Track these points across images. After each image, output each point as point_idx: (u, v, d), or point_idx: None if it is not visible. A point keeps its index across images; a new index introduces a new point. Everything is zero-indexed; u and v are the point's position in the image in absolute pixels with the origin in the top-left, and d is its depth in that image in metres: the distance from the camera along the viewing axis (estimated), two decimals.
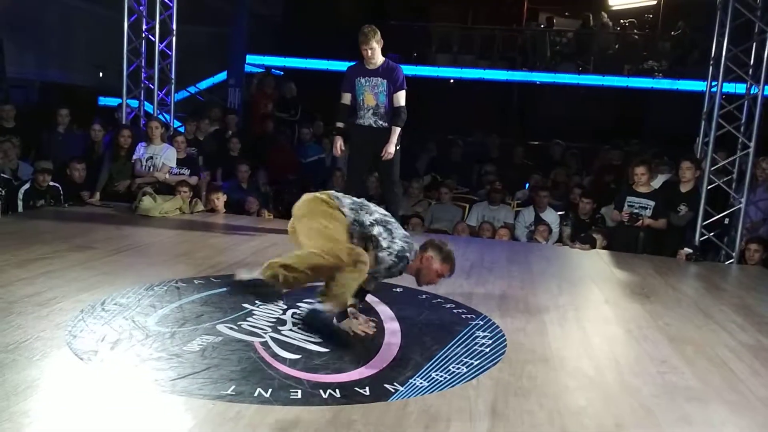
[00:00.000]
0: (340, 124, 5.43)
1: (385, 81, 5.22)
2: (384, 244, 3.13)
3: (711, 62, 6.30)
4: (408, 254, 3.17)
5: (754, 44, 6.02)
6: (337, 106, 5.44)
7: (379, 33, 5.22)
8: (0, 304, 3.18)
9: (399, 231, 3.26)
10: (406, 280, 4.12)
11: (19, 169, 6.60)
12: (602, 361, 3.05)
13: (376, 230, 3.17)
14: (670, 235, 5.93)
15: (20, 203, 5.99)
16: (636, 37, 13.34)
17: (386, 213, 3.39)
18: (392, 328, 3.28)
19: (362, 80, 5.27)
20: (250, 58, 12.12)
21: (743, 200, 5.93)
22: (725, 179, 6.12)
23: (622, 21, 13.59)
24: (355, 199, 3.39)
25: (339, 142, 5.44)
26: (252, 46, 11.87)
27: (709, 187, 5.98)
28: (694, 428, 2.43)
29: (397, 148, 5.27)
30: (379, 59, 5.26)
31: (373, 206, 3.37)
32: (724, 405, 2.64)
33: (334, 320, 3.08)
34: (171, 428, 2.18)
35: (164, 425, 2.20)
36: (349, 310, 3.14)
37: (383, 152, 5.20)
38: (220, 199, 6.42)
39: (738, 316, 3.97)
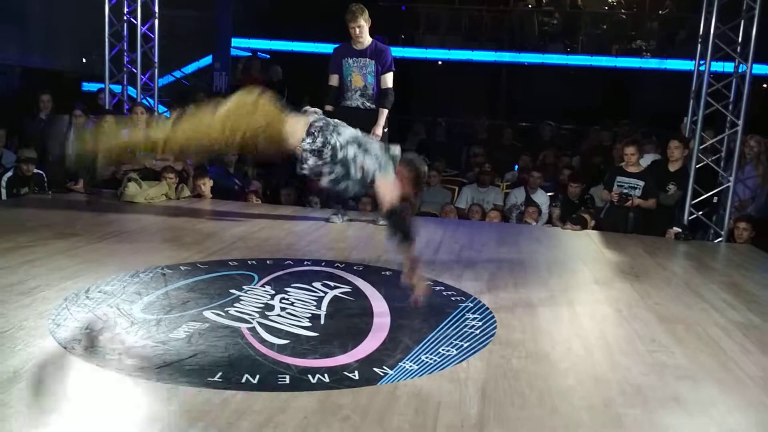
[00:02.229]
0: (329, 107, 5.35)
1: (373, 62, 5.16)
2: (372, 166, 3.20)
3: (699, 40, 6.26)
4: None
5: (743, 21, 5.98)
6: (325, 89, 5.36)
7: (367, 12, 5.15)
8: None
9: (375, 148, 3.30)
10: (396, 263, 4.13)
11: (3, 156, 6.50)
12: (592, 341, 3.04)
13: (351, 152, 3.21)
14: (659, 215, 5.93)
15: (3, 191, 5.90)
16: (624, 16, 13.28)
17: (356, 133, 3.39)
18: (381, 311, 3.26)
19: (350, 61, 5.20)
20: (237, 42, 11.98)
21: (732, 179, 5.93)
22: (713, 158, 6.11)
23: (610, 0, 13.52)
24: (326, 121, 3.36)
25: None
26: (238, 29, 11.73)
27: (697, 166, 5.97)
28: (684, 406, 2.42)
29: (385, 130, 5.22)
30: (367, 39, 5.20)
31: (341, 127, 3.36)
32: (714, 383, 2.64)
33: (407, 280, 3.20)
34: (157, 416, 2.14)
35: (150, 413, 2.16)
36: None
37: (371, 134, 5.14)
38: (206, 185, 6.35)
39: (727, 294, 3.97)
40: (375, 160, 3.23)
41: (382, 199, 3.14)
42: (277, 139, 3.23)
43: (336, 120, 3.44)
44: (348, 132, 3.34)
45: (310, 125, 3.27)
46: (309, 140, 3.24)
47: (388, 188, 3.13)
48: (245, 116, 3.15)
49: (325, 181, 3.31)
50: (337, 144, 3.23)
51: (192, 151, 3.28)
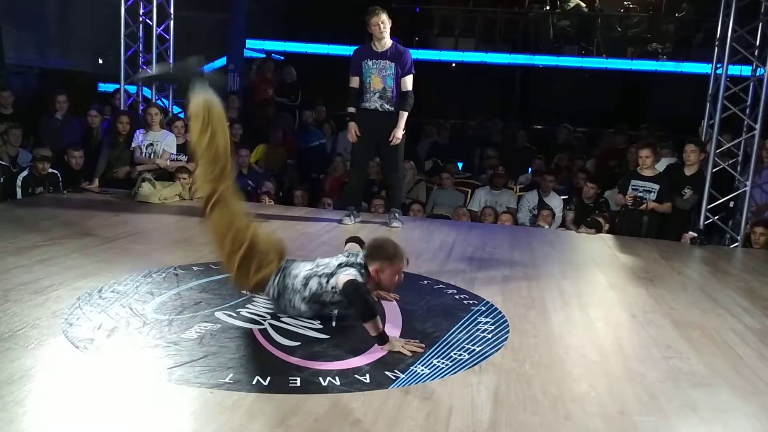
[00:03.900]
0: (351, 109, 5.32)
1: (393, 64, 5.14)
2: (328, 288, 2.91)
3: (716, 43, 6.20)
4: (360, 278, 2.84)
5: (760, 24, 5.92)
6: (347, 91, 5.33)
7: (387, 11, 5.13)
8: None
9: (332, 267, 2.97)
10: (408, 266, 4.11)
11: (19, 156, 6.55)
12: (606, 347, 3.01)
13: (314, 284, 2.95)
14: (674, 219, 5.86)
15: (19, 190, 5.95)
16: (639, 19, 13.18)
17: (307, 264, 3.09)
18: (393, 313, 3.24)
19: (369, 62, 5.18)
20: (251, 43, 12.01)
21: (748, 183, 5.87)
22: (730, 162, 6.05)
23: (625, 3, 13.42)
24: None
25: (354, 128, 5.25)
26: (252, 30, 11.75)
27: (714, 170, 5.91)
28: (700, 414, 2.38)
29: (403, 133, 5.21)
30: (388, 41, 5.17)
31: (295, 265, 3.08)
32: (731, 390, 2.60)
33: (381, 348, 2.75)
34: (168, 417, 2.14)
35: (161, 414, 2.16)
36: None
37: (391, 137, 5.13)
38: None
39: (744, 300, 3.92)
40: (332, 278, 2.91)
41: (339, 284, 2.81)
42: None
43: (288, 263, 3.13)
44: (301, 269, 3.05)
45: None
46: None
47: (346, 278, 2.79)
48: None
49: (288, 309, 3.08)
50: (294, 285, 3.00)
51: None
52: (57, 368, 2.43)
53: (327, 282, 2.91)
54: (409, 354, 2.70)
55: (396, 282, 3.00)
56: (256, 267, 3.01)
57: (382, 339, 2.74)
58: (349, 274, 2.82)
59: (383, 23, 5.08)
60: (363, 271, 2.93)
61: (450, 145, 8.96)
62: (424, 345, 2.80)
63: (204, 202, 3.05)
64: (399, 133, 5.12)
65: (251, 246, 3.01)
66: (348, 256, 3.05)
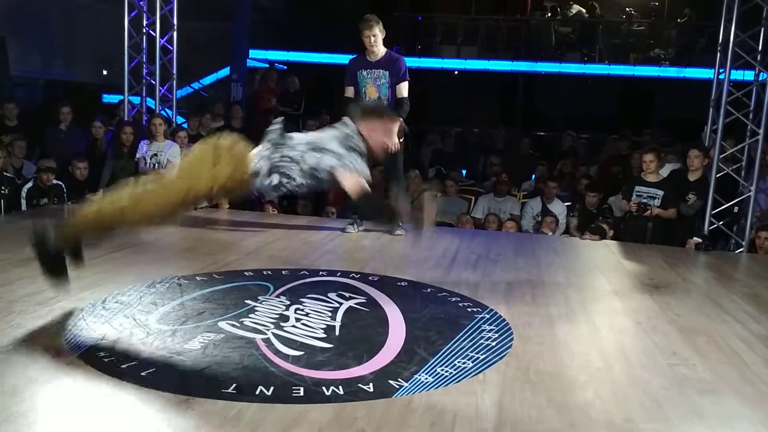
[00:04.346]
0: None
1: (387, 72, 5.16)
2: (332, 161, 3.06)
3: (718, 48, 6.20)
4: (353, 142, 3.10)
5: (762, 29, 5.92)
6: (343, 101, 5.36)
7: (381, 23, 5.15)
8: (0, 303, 3.15)
9: (325, 140, 3.13)
10: (411, 273, 4.11)
11: (23, 167, 6.59)
12: (611, 354, 2.99)
13: (311, 158, 3.07)
14: (679, 225, 5.85)
15: (23, 202, 5.97)
16: (642, 26, 13.21)
17: (297, 136, 3.22)
18: (396, 322, 3.23)
19: (364, 72, 5.21)
20: (254, 53, 12.08)
21: (753, 188, 5.85)
22: (734, 167, 6.03)
23: (627, 9, 13.45)
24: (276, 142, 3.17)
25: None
26: (255, 40, 11.82)
27: (717, 176, 5.90)
28: (706, 421, 2.37)
29: (400, 140, 5.20)
30: (381, 50, 5.20)
31: (296, 138, 3.18)
32: (737, 397, 2.58)
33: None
34: (171, 428, 2.14)
35: (164, 424, 2.15)
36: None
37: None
38: None
39: (750, 306, 3.89)
40: (333, 156, 3.07)
41: (348, 190, 3.06)
42: (245, 178, 3.07)
43: (285, 134, 3.21)
44: (300, 140, 3.17)
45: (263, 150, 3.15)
46: (260, 159, 3.10)
47: (350, 180, 3.05)
48: (207, 170, 2.94)
49: (296, 188, 3.19)
50: (293, 155, 3.09)
51: (155, 221, 3.03)
52: (61, 379, 2.43)
53: (322, 157, 3.05)
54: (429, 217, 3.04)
55: (388, 141, 3.20)
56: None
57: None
58: (345, 165, 3.02)
59: (375, 36, 5.11)
60: (356, 135, 3.11)
61: (453, 153, 8.97)
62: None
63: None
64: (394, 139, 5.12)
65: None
66: (341, 126, 3.20)
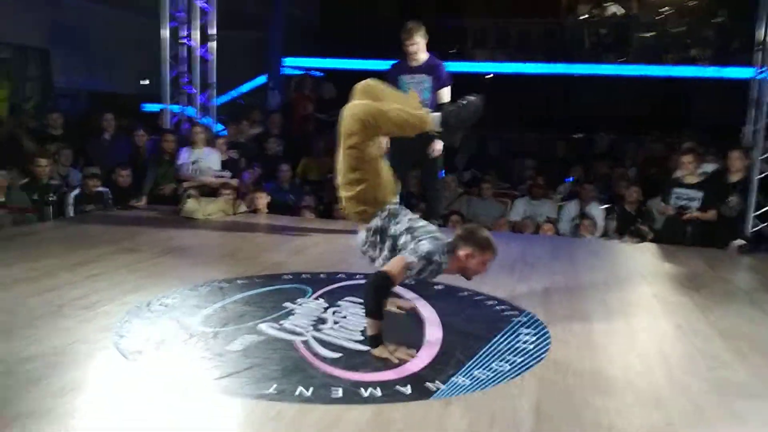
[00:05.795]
0: None
1: (429, 77, 5.16)
2: (409, 247, 2.92)
3: (756, 47, 6.08)
4: (437, 257, 2.88)
5: None
6: None
7: (424, 29, 5.16)
8: (50, 308, 3.26)
9: (425, 232, 2.99)
10: (448, 278, 4.12)
11: (69, 175, 6.80)
12: (651, 358, 2.96)
13: (402, 240, 2.98)
14: (720, 227, 5.74)
15: (70, 208, 6.17)
16: (677, 26, 12.98)
17: (414, 218, 3.13)
18: (433, 325, 3.25)
19: (406, 77, 5.21)
20: (290, 61, 12.21)
21: None
22: None
23: (662, 9, 13.24)
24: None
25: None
26: (291, 48, 11.96)
27: (760, 176, 5.77)
28: (749, 427, 2.33)
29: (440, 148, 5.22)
30: (423, 56, 5.21)
31: (403, 214, 3.11)
32: None
33: (370, 350, 2.83)
34: (213, 428, 2.20)
35: (207, 424, 2.22)
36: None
37: (429, 149, 5.15)
38: (262, 200, 6.49)
39: None
40: (413, 244, 2.93)
41: (386, 266, 2.88)
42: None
43: (399, 208, 3.16)
44: (405, 221, 3.07)
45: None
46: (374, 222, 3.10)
47: (397, 266, 2.85)
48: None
49: (373, 262, 3.13)
50: (394, 232, 3.03)
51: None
52: (107, 380, 2.51)
53: (412, 244, 2.93)
54: (397, 361, 2.73)
55: (481, 271, 3.04)
56: (372, 194, 3.06)
57: (375, 341, 2.81)
58: (420, 249, 2.87)
59: (416, 44, 5.11)
60: (446, 249, 2.95)
61: (488, 156, 8.95)
62: (414, 353, 2.83)
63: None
64: (439, 145, 5.14)
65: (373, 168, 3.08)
66: (442, 238, 3.05)
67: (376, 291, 2.83)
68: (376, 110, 3.06)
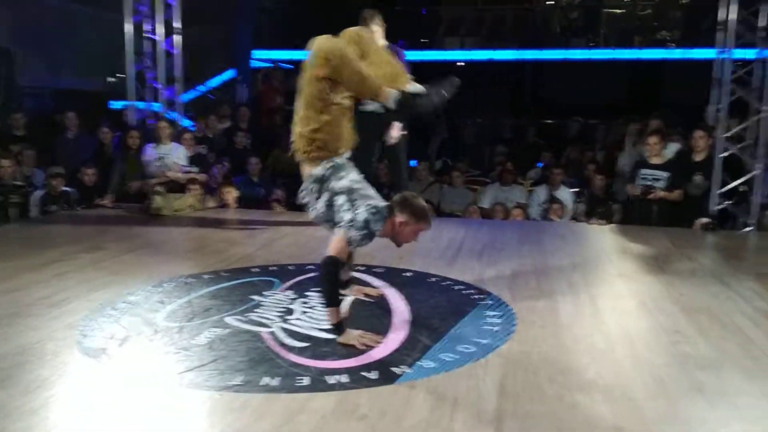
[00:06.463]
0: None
1: None
2: (346, 217, 2.92)
3: (718, 27, 6.17)
4: (372, 224, 2.87)
5: (764, 6, 5.87)
6: None
7: (379, 16, 5.13)
8: (15, 308, 3.22)
9: (363, 196, 2.98)
10: (416, 264, 4.14)
11: (33, 175, 6.67)
12: (614, 336, 3.00)
13: (339, 201, 2.97)
14: (686, 206, 5.83)
15: (35, 209, 6.06)
16: (646, 9, 13.11)
17: (356, 180, 3.08)
18: (401, 311, 3.27)
19: None
20: (259, 54, 12.11)
21: (760, 166, 5.81)
22: (740, 146, 6.00)
23: None
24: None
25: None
26: (260, 41, 11.85)
27: (723, 155, 5.87)
28: (707, 396, 2.38)
29: (404, 133, 5.22)
30: (381, 43, 5.18)
31: (347, 171, 3.09)
32: (739, 372, 2.59)
33: (336, 338, 2.85)
34: (177, 420, 2.19)
35: (170, 418, 2.20)
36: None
37: (386, 135, 5.15)
38: (231, 194, 6.44)
39: (756, 284, 3.88)
40: (351, 214, 2.92)
41: (329, 247, 2.89)
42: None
43: (344, 164, 3.14)
44: (347, 179, 3.06)
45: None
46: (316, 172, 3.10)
47: (339, 243, 2.87)
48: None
49: (307, 209, 3.16)
50: (332, 187, 3.03)
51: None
52: (72, 378, 2.49)
53: (348, 209, 2.92)
54: (363, 347, 2.75)
55: (411, 240, 3.01)
56: (325, 138, 3.04)
57: (338, 329, 2.84)
58: (349, 230, 2.85)
59: (373, 32, 5.08)
60: (385, 214, 2.92)
61: (459, 144, 8.98)
62: (381, 339, 2.85)
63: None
64: (395, 132, 5.13)
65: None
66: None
67: (327, 280, 2.85)
68: (342, 53, 3.02)
